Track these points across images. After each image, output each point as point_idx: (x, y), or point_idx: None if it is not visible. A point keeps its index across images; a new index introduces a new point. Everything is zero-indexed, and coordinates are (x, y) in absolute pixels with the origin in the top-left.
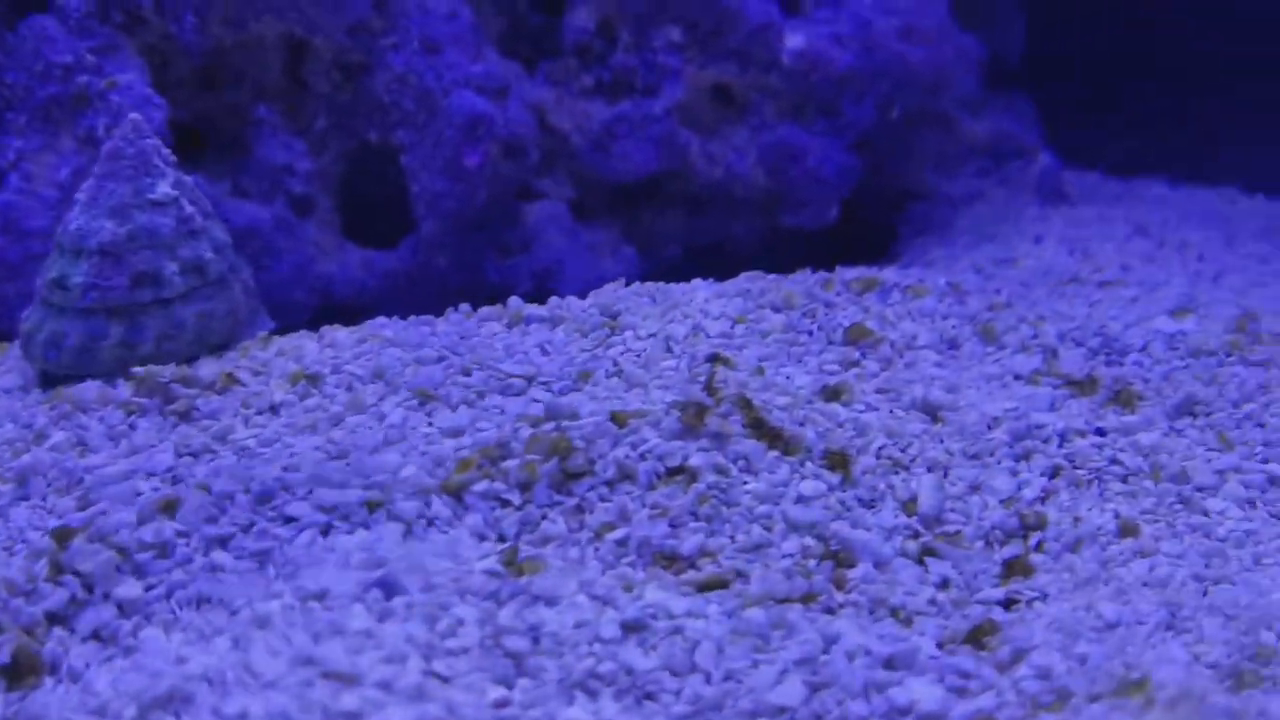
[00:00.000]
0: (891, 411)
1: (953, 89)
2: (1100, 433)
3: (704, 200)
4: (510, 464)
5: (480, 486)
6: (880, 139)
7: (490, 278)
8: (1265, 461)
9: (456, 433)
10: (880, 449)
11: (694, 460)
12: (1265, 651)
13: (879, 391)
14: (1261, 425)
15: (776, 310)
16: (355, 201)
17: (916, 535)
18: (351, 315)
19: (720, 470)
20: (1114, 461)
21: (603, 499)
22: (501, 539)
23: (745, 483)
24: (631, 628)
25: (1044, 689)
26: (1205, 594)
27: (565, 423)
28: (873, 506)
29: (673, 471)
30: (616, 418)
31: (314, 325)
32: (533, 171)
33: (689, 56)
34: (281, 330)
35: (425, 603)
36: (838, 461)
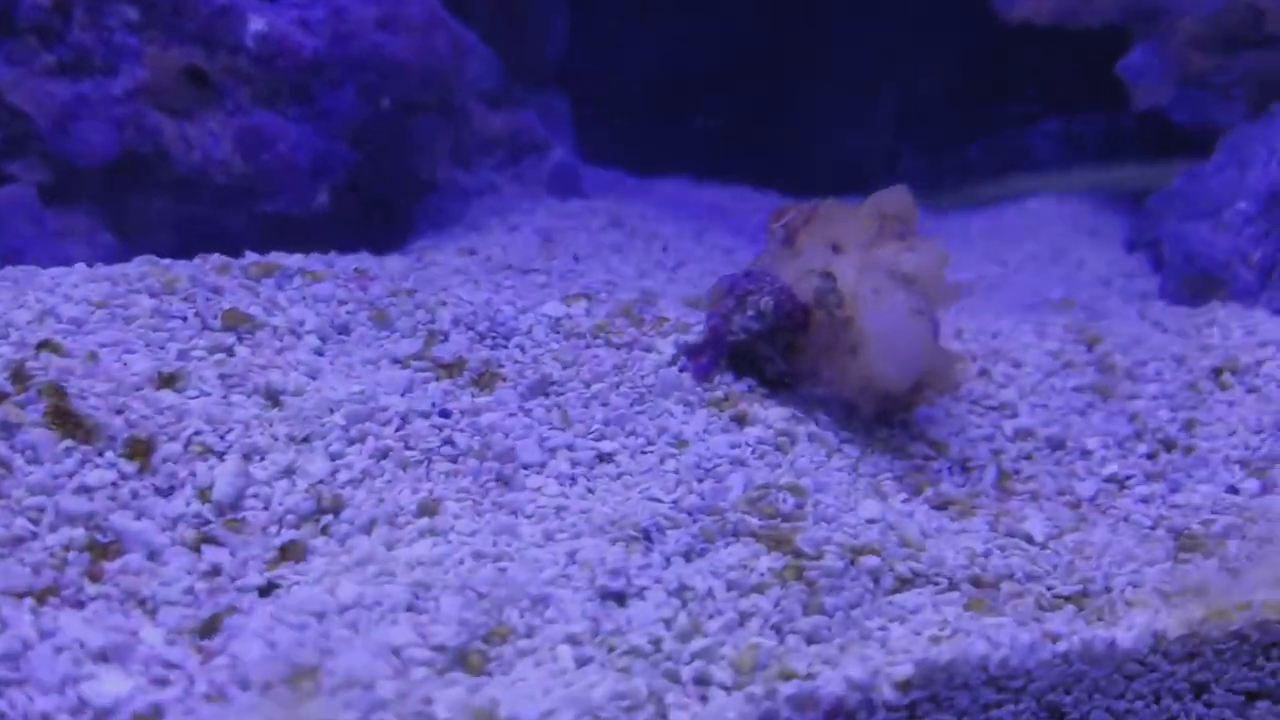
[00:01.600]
0: (226, 397)
1: (458, 81)
2: (445, 414)
3: (191, 186)
4: None
5: None
6: (378, 129)
7: None
8: (599, 439)
9: None
10: (195, 435)
11: None
12: (502, 630)
13: (223, 378)
14: (605, 404)
15: (152, 295)
16: None
17: (204, 523)
18: None
19: None
20: (447, 442)
21: None
22: None
23: (30, 474)
24: None
25: (230, 677)
26: (475, 573)
27: None
28: (168, 495)
29: None
30: None
31: None
32: None
33: (149, 37)
34: None
35: None
36: (139, 450)
